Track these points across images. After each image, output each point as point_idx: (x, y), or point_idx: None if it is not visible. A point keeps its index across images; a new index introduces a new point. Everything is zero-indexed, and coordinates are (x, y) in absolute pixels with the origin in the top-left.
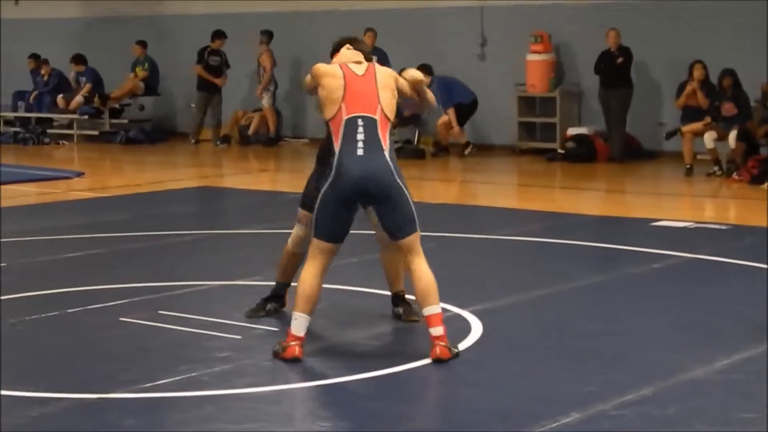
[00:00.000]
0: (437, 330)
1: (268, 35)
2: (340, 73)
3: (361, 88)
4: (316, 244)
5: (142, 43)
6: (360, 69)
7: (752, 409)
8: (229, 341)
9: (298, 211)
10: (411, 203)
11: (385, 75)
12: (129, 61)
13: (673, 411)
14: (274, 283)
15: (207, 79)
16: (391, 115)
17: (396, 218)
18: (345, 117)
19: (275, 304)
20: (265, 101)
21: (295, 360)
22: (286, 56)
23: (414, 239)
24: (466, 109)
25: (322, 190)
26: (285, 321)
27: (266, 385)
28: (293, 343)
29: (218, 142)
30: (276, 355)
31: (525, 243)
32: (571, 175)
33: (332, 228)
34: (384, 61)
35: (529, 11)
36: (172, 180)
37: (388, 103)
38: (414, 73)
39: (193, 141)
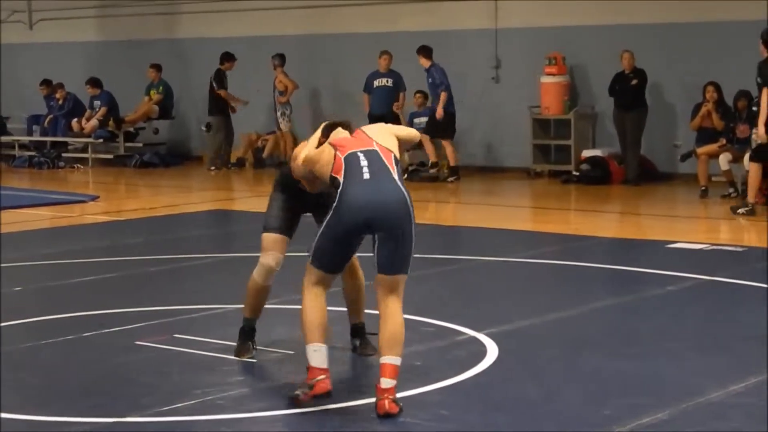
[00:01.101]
0: (389, 382)
1: (280, 58)
2: (325, 143)
3: (349, 138)
4: (315, 274)
5: (157, 67)
6: (346, 133)
7: None
8: (245, 365)
9: (262, 238)
10: (414, 241)
11: (375, 127)
12: (145, 85)
13: None
14: (245, 317)
15: (231, 102)
16: (393, 148)
17: (397, 253)
18: (343, 156)
19: (254, 339)
20: (283, 125)
21: (328, 394)
22: (303, 79)
23: (402, 279)
24: (452, 119)
25: (326, 220)
26: (298, 345)
27: (282, 409)
28: (321, 377)
29: (230, 165)
30: (302, 398)
31: (541, 265)
32: (586, 198)
33: (333, 260)
34: (399, 83)
35: (544, 33)
36: (188, 203)
37: (384, 140)
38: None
39: (213, 168)
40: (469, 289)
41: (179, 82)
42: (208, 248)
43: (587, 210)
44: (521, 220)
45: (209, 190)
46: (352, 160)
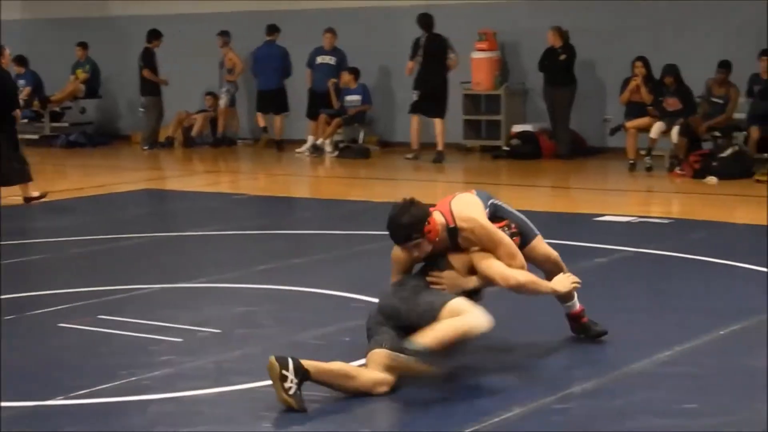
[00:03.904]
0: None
1: (228, 35)
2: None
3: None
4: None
5: (83, 45)
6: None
7: (696, 401)
8: (171, 344)
9: None
10: None
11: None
12: (72, 63)
13: (619, 403)
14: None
15: (156, 81)
16: None
17: None
18: None
19: None
20: (223, 102)
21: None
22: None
23: None
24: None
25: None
26: (226, 323)
27: (208, 388)
28: None
29: (160, 145)
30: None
31: None
32: (517, 173)
33: None
34: (342, 62)
35: (475, 9)
36: (117, 183)
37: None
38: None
39: (146, 147)
40: None
41: (111, 61)
42: (138, 228)
43: (518, 185)
44: None
45: (138, 170)
46: None
